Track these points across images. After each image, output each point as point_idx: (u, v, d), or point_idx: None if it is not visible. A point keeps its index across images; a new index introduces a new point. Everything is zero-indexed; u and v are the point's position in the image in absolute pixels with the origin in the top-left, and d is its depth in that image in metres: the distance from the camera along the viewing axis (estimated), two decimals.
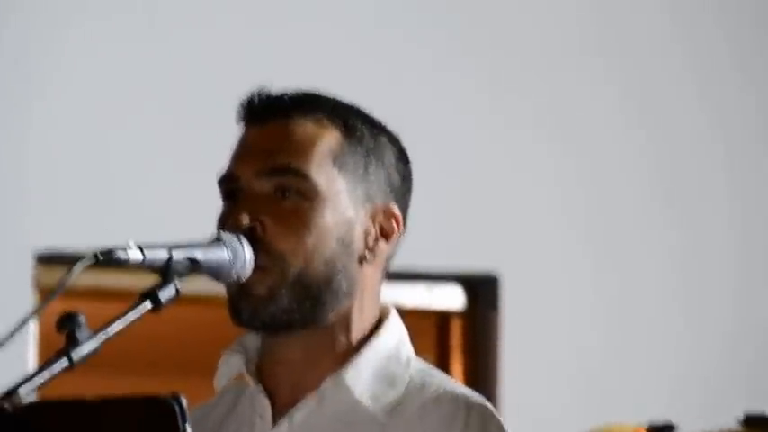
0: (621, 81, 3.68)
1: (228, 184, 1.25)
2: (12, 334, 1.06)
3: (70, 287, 1.07)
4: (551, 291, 3.39)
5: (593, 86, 3.64)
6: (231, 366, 1.28)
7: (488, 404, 1.24)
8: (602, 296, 3.46)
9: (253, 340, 1.28)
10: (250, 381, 1.26)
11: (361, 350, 1.23)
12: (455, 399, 1.22)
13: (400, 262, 1.31)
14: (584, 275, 3.48)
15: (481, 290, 3.31)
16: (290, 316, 1.21)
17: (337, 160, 1.23)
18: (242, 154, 1.25)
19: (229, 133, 1.27)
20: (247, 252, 1.17)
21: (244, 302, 1.21)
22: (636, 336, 3.48)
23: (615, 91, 3.67)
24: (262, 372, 1.27)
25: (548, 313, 3.37)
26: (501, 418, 1.21)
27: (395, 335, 1.27)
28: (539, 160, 3.50)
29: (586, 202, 3.55)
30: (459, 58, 3.51)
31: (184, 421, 1.05)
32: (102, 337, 1.08)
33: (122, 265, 1.10)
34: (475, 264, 3.31)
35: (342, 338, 1.24)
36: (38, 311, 1.10)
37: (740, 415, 1.88)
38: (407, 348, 1.28)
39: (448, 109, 3.38)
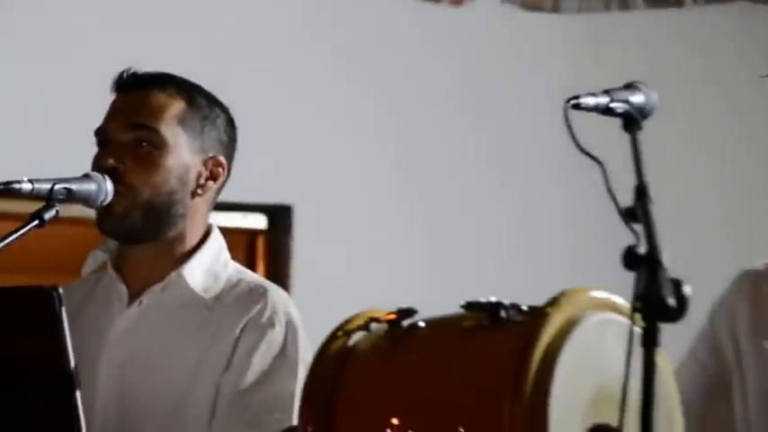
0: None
1: (100, 136, 1.67)
2: None
3: None
4: (336, 219, 3.91)
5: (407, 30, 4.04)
6: (97, 259, 1.71)
7: (282, 292, 1.73)
8: (369, 223, 3.95)
9: (114, 244, 1.71)
10: (110, 269, 1.70)
11: (194, 255, 1.69)
12: (258, 288, 1.71)
13: (222, 196, 1.76)
14: (363, 206, 3.98)
15: (279, 217, 3.87)
16: (141, 231, 1.66)
17: (181, 122, 1.67)
18: (111, 114, 1.68)
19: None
20: (109, 185, 1.58)
21: (107, 219, 1.65)
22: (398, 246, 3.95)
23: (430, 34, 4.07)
24: (120, 268, 1.70)
25: (331, 236, 3.89)
26: (292, 304, 1.70)
27: (217, 244, 1.74)
28: (340, 107, 3.95)
29: (375, 143, 4.02)
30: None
31: (60, 305, 1.44)
32: None
33: (16, 193, 1.49)
34: (275, 196, 3.84)
35: (179, 247, 1.70)
36: None
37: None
38: (226, 254, 1.75)
39: (259, 55, 3.80)
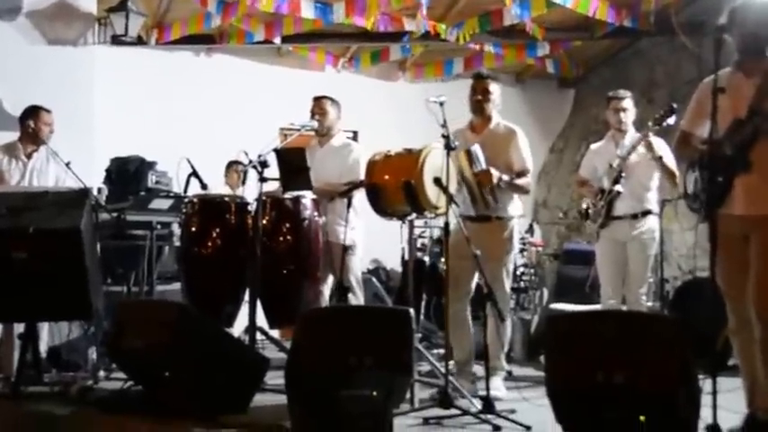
0: None
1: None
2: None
3: None
4: None
5: None
6: (312, 142, 6.31)
7: (356, 143, 6.41)
8: None
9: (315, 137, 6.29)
10: (317, 144, 6.32)
11: (334, 137, 6.32)
12: (350, 142, 6.58)
13: None
14: None
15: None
16: (324, 135, 6.34)
17: (332, 105, 6.34)
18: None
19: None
20: (316, 123, 6.26)
21: (317, 133, 6.24)
22: None
23: None
24: (319, 142, 6.27)
25: None
26: (358, 145, 6.22)
27: (341, 135, 6.41)
28: None
29: None
30: None
31: (305, 152, 5.88)
32: None
33: (294, 129, 6.00)
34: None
35: (332, 134, 6.32)
36: None
37: None
38: (344, 137, 6.46)
39: None
